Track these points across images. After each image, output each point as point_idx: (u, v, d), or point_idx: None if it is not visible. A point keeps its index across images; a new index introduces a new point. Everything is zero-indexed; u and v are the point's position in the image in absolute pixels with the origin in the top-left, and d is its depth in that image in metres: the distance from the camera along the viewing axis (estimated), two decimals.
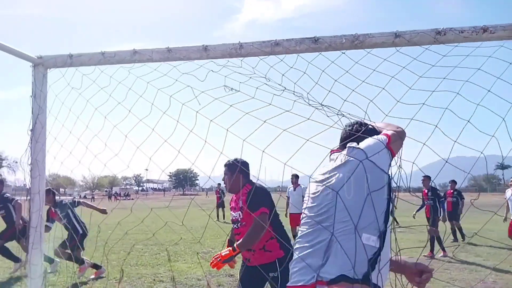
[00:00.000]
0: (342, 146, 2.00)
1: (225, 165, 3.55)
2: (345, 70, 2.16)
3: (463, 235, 10.74)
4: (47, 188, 7.10)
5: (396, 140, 1.87)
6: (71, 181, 78.73)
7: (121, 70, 2.69)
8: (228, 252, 3.19)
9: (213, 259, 3.21)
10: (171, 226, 3.36)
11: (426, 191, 9.06)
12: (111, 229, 2.88)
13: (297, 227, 9.47)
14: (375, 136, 1.87)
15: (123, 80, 2.64)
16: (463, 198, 10.69)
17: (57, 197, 6.77)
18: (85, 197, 57.12)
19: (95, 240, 6.25)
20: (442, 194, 9.43)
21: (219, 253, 3.21)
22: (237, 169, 3.46)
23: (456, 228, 10.69)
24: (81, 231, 6.42)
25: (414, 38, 2.10)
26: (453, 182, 11.21)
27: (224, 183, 3.64)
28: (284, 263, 3.00)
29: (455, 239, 10.83)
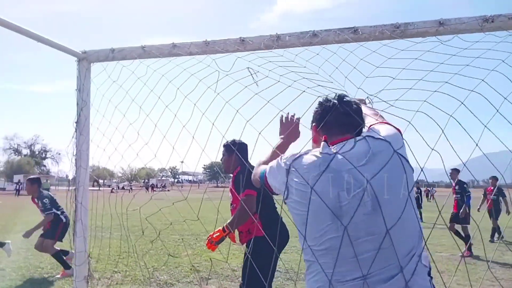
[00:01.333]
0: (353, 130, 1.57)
1: (223, 146, 3.57)
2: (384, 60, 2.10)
3: (500, 233, 10.24)
4: (36, 177, 7.30)
5: None
6: (110, 173, 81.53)
7: (156, 62, 2.74)
8: (218, 233, 3.28)
9: (207, 240, 3.30)
10: (206, 217, 3.41)
11: (454, 184, 8.74)
12: (149, 219, 2.98)
13: None
14: (390, 126, 1.61)
15: (163, 71, 2.68)
16: (505, 196, 10.15)
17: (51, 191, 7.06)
18: (123, 188, 58.92)
19: (134, 230, 6.46)
20: (468, 188, 8.95)
21: (210, 234, 3.30)
22: (231, 150, 3.46)
23: (495, 226, 10.19)
24: (64, 220, 6.58)
25: (460, 26, 2.02)
26: (494, 178, 10.39)
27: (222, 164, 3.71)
28: (261, 242, 2.99)
29: (496, 238, 10.34)
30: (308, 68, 2.25)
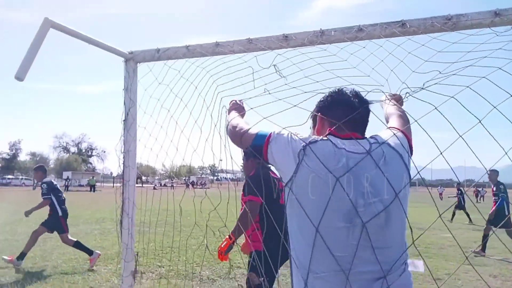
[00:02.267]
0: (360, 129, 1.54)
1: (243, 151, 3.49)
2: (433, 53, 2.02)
3: None
4: (40, 165, 7.63)
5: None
6: (153, 170, 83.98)
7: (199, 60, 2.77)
8: (226, 242, 3.27)
9: (217, 253, 3.31)
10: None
11: (492, 186, 8.40)
12: (190, 215, 3.05)
13: None
14: (402, 135, 1.57)
15: (207, 69, 2.70)
16: None
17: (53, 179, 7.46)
18: (165, 185, 60.47)
19: (177, 225, 6.60)
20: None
21: (220, 245, 3.30)
22: (248, 155, 3.38)
23: None
24: (60, 213, 6.82)
25: None
26: None
27: None
28: (260, 258, 2.88)
29: None
30: (348, 62, 2.20)
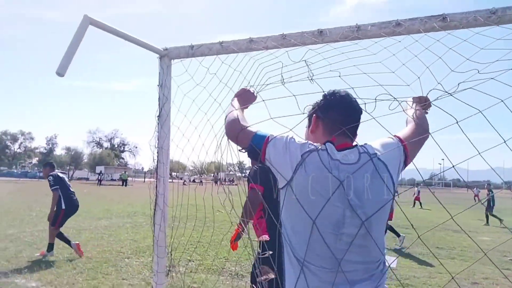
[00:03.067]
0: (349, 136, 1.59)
1: None
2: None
3: None
4: (48, 161, 7.81)
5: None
6: (182, 166, 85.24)
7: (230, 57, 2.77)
8: (234, 231, 3.41)
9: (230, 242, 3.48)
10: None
11: None
12: (219, 211, 3.10)
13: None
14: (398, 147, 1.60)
15: (239, 66, 2.70)
16: None
17: (60, 173, 7.52)
18: (194, 180, 61.27)
19: (206, 221, 6.69)
20: None
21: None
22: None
23: None
24: (63, 207, 6.92)
25: None
26: None
27: None
28: (268, 249, 2.82)
29: None
30: (377, 56, 2.14)
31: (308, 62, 2.30)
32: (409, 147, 1.60)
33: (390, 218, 8.96)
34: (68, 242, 6.74)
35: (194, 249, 7.14)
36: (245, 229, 3.40)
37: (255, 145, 1.60)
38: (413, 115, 1.79)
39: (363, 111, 1.63)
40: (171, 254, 3.16)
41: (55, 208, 6.88)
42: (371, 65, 2.12)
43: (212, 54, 2.85)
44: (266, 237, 3.19)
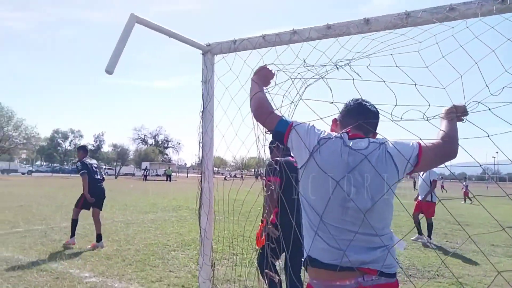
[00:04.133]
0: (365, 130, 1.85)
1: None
2: None
3: None
4: (82, 145, 8.08)
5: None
6: (223, 161, 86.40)
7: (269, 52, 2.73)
8: (259, 227, 3.65)
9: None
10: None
11: None
12: (260, 206, 3.15)
13: (419, 213, 8.68)
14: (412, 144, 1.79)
15: (282, 59, 2.67)
16: None
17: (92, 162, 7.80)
18: (235, 176, 61.92)
19: (249, 216, 6.71)
20: None
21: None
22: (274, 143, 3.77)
23: None
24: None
25: None
26: None
27: None
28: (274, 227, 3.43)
29: None
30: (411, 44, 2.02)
31: (354, 54, 2.24)
32: (424, 156, 1.74)
33: (431, 215, 8.60)
34: (73, 232, 7.14)
35: (238, 243, 7.21)
36: (269, 223, 3.57)
37: (279, 129, 1.89)
38: (444, 133, 1.83)
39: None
40: (215, 248, 3.19)
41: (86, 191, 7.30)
42: (416, 54, 2.03)
43: (255, 48, 2.83)
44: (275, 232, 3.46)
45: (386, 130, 1.92)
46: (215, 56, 3.13)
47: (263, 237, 3.60)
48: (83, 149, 7.80)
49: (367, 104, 1.91)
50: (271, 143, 3.81)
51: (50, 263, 5.72)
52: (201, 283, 3.12)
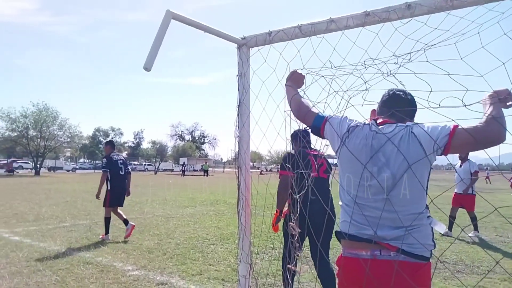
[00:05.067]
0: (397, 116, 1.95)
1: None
2: None
3: None
4: (109, 140, 8.28)
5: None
6: (259, 156, 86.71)
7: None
8: (274, 215, 3.97)
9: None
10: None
11: None
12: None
13: (459, 207, 8.25)
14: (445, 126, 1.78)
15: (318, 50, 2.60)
16: None
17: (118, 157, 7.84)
18: (270, 170, 61.98)
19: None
20: None
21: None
22: (291, 138, 4.01)
23: None
24: (109, 188, 7.46)
25: None
26: None
27: None
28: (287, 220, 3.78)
29: None
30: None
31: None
32: (457, 137, 1.72)
33: (471, 208, 8.18)
34: (107, 229, 7.35)
35: (276, 237, 7.19)
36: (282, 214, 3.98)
37: (316, 124, 2.15)
38: (487, 116, 1.72)
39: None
40: (254, 242, 3.18)
41: (106, 189, 7.57)
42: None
43: (290, 39, 2.77)
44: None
45: (431, 119, 1.84)
46: (250, 49, 3.10)
47: (277, 225, 3.98)
48: (110, 144, 8.01)
49: (401, 93, 2.02)
50: (292, 135, 3.97)
51: (95, 257, 5.94)
52: (241, 277, 3.12)
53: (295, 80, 2.47)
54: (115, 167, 7.58)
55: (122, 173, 7.67)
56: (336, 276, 2.03)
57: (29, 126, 41.10)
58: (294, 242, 3.46)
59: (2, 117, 39.96)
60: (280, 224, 4.05)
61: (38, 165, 42.18)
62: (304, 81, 2.50)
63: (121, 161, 7.75)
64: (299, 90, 2.46)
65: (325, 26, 2.59)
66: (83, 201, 13.55)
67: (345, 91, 2.31)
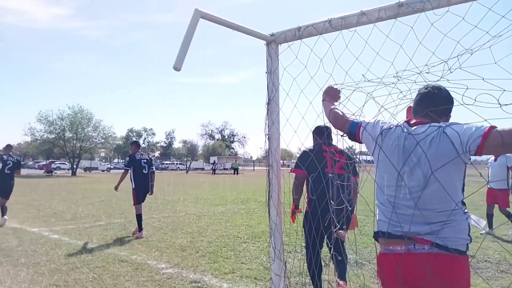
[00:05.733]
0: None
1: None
2: None
3: None
4: (135, 140, 8.50)
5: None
6: (289, 153, 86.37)
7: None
8: (291, 208, 4.19)
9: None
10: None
11: None
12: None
13: (494, 204, 7.82)
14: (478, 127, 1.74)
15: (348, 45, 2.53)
16: None
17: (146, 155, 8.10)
18: None
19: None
20: None
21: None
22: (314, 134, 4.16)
23: None
24: (133, 186, 7.76)
25: None
26: None
27: None
28: (306, 215, 4.07)
29: None
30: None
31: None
32: (491, 138, 1.68)
33: (504, 205, 7.78)
34: (140, 226, 7.53)
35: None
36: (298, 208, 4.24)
37: (351, 130, 2.27)
38: None
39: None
40: (286, 241, 3.14)
41: (131, 187, 7.84)
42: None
43: (320, 34, 2.71)
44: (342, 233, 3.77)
45: (470, 117, 1.80)
46: (279, 45, 3.06)
47: (294, 216, 4.22)
48: (135, 143, 8.34)
49: (436, 91, 2.02)
50: (314, 131, 4.14)
51: (130, 255, 6.06)
52: (273, 276, 3.09)
53: (332, 96, 2.59)
54: (138, 166, 7.82)
55: (146, 172, 7.87)
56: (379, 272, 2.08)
57: (66, 128, 42.52)
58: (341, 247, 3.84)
59: (40, 120, 41.58)
60: (300, 220, 4.22)
61: (74, 166, 43.63)
62: (340, 95, 2.61)
63: (145, 161, 7.98)
64: (336, 103, 2.59)
65: (356, 19, 2.52)
66: (118, 200, 13.90)
67: (383, 107, 2.26)
